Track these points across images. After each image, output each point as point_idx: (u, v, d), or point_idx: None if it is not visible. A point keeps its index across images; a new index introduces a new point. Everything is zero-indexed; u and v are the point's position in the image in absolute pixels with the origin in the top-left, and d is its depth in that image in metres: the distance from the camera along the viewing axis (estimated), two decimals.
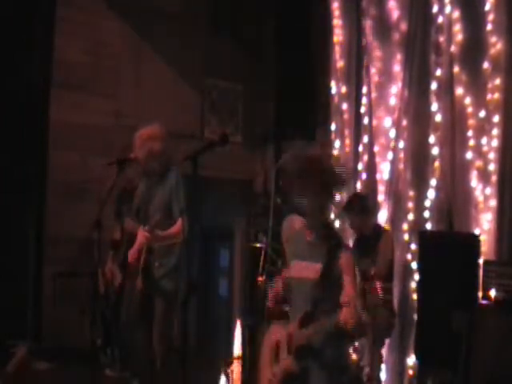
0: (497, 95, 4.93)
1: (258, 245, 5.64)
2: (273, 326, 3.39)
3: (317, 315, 3.11)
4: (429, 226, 5.30)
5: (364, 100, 6.08)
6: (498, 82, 4.93)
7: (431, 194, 5.31)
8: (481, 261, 4.65)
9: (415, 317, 5.04)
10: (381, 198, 5.78)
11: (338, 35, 6.39)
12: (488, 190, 4.95)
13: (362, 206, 5.04)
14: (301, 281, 3.26)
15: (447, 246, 4.77)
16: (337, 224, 5.52)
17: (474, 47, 5.08)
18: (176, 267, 4.44)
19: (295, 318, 3.21)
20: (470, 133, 5.12)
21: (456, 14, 5.22)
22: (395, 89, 5.78)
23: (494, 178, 4.91)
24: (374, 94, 5.98)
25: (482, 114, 5.03)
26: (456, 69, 5.21)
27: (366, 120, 6.04)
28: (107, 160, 4.75)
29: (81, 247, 5.64)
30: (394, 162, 5.67)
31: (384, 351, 5.33)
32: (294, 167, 3.17)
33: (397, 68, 5.79)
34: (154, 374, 4.51)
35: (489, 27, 4.97)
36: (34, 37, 5.97)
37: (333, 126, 6.36)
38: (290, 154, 3.27)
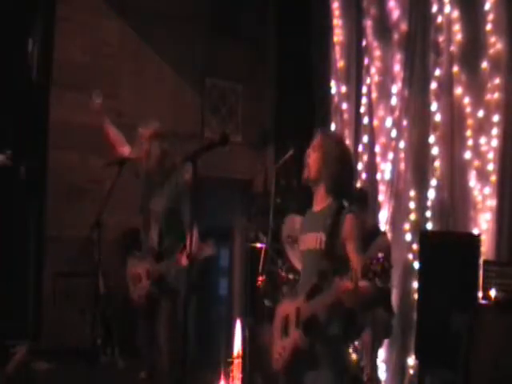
0: (496, 95, 4.93)
1: (258, 245, 5.65)
2: (283, 301, 3.39)
3: (324, 287, 3.10)
4: (429, 225, 5.30)
5: (364, 100, 6.08)
6: (497, 81, 4.93)
7: (431, 193, 5.31)
8: (481, 261, 4.65)
9: (415, 317, 5.04)
10: (381, 198, 5.78)
11: (338, 35, 6.39)
12: (487, 190, 4.95)
13: (360, 197, 5.01)
14: (306, 252, 3.24)
15: (447, 246, 4.77)
16: None
17: (474, 47, 5.09)
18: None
19: (303, 291, 3.20)
20: (468, 132, 5.13)
21: (455, 14, 5.23)
22: (395, 88, 5.78)
23: (493, 178, 4.91)
24: (374, 94, 5.99)
25: (481, 113, 5.03)
26: (455, 68, 5.21)
27: (366, 120, 6.04)
28: (107, 160, 4.76)
29: (81, 247, 5.63)
30: (394, 162, 5.67)
31: (384, 351, 5.34)
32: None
33: (397, 68, 5.79)
34: (158, 373, 4.52)
35: (488, 27, 4.97)
36: (34, 37, 5.97)
37: (333, 126, 6.36)
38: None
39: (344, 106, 6.30)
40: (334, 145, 3.26)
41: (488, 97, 4.98)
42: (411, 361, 5.23)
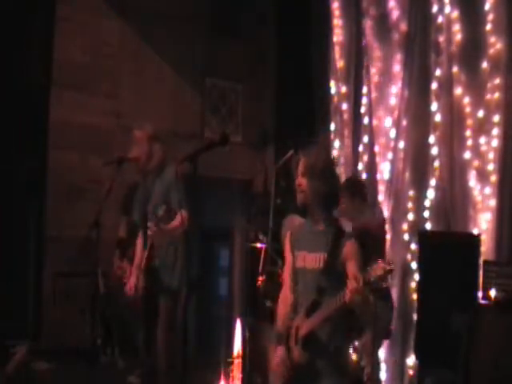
0: (496, 95, 4.93)
1: (258, 245, 5.65)
2: (280, 347, 3.39)
3: (322, 303, 3.12)
4: (428, 225, 5.30)
5: (364, 100, 6.08)
6: (497, 81, 4.93)
7: (431, 193, 5.31)
8: (481, 261, 4.65)
9: (415, 317, 5.04)
10: (381, 197, 5.78)
11: (337, 35, 6.39)
12: (487, 190, 4.95)
13: (356, 188, 4.98)
14: (305, 270, 3.27)
15: (447, 246, 4.77)
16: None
17: (474, 47, 5.08)
18: (174, 263, 4.47)
19: (302, 309, 3.22)
20: (468, 132, 5.12)
21: (455, 14, 5.22)
22: (395, 89, 5.78)
23: (493, 178, 4.91)
24: (374, 94, 5.98)
25: (481, 113, 5.02)
26: (455, 69, 5.21)
27: (366, 120, 6.04)
28: (107, 160, 4.77)
29: (81, 247, 5.63)
30: (394, 162, 5.67)
31: (384, 351, 5.34)
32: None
33: (397, 68, 5.79)
34: (157, 373, 4.53)
35: (488, 27, 4.97)
36: (34, 37, 5.97)
37: (333, 126, 6.36)
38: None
39: (344, 106, 6.30)
40: (317, 162, 3.29)
41: (488, 97, 4.97)
42: (411, 361, 5.23)
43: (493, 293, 4.43)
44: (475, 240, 4.73)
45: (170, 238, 4.48)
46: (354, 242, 3.20)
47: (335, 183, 3.32)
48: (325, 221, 3.27)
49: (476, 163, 5.05)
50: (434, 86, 5.35)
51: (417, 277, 5.12)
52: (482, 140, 5.01)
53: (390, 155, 5.73)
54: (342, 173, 6.03)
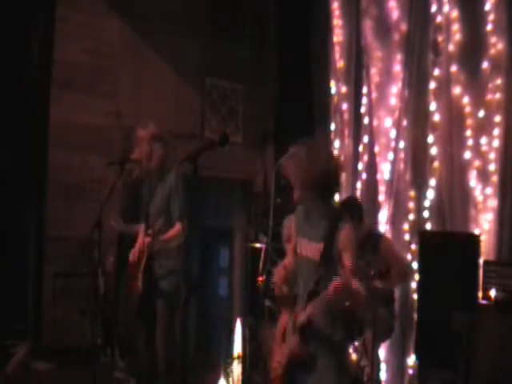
0: (497, 95, 4.93)
1: (258, 245, 5.65)
2: (284, 312, 3.41)
3: (320, 292, 3.13)
4: (429, 226, 5.30)
5: (364, 100, 6.08)
6: (498, 82, 4.92)
7: (431, 193, 5.31)
8: (481, 261, 4.65)
9: (415, 317, 5.04)
10: (381, 198, 5.78)
11: (337, 35, 6.39)
12: (488, 190, 4.95)
13: (353, 207, 4.96)
14: (304, 259, 3.28)
15: (447, 246, 4.77)
16: None
17: (474, 47, 5.08)
18: (175, 268, 4.47)
19: (303, 299, 3.22)
20: (469, 133, 5.12)
21: (455, 14, 5.22)
22: (395, 89, 5.78)
23: (494, 178, 4.91)
24: (374, 94, 5.98)
25: (482, 113, 5.02)
26: (454, 68, 5.21)
27: (366, 120, 6.04)
28: (107, 160, 4.77)
29: (81, 247, 5.63)
30: (394, 162, 5.67)
31: (384, 351, 5.34)
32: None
33: (397, 68, 5.79)
34: (156, 374, 4.53)
35: (489, 27, 4.97)
36: (34, 37, 5.97)
37: (333, 126, 6.36)
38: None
39: (344, 106, 6.30)
40: (300, 150, 3.27)
41: (489, 97, 4.97)
42: (411, 361, 5.23)
43: (493, 293, 4.44)
44: (475, 240, 4.73)
45: (167, 245, 4.49)
46: (351, 228, 3.20)
47: (329, 168, 3.26)
48: (322, 206, 3.27)
49: (477, 163, 5.06)
50: (434, 85, 5.35)
51: (417, 277, 5.12)
52: (483, 140, 5.01)
53: (390, 155, 5.73)
54: (342, 173, 6.02)
